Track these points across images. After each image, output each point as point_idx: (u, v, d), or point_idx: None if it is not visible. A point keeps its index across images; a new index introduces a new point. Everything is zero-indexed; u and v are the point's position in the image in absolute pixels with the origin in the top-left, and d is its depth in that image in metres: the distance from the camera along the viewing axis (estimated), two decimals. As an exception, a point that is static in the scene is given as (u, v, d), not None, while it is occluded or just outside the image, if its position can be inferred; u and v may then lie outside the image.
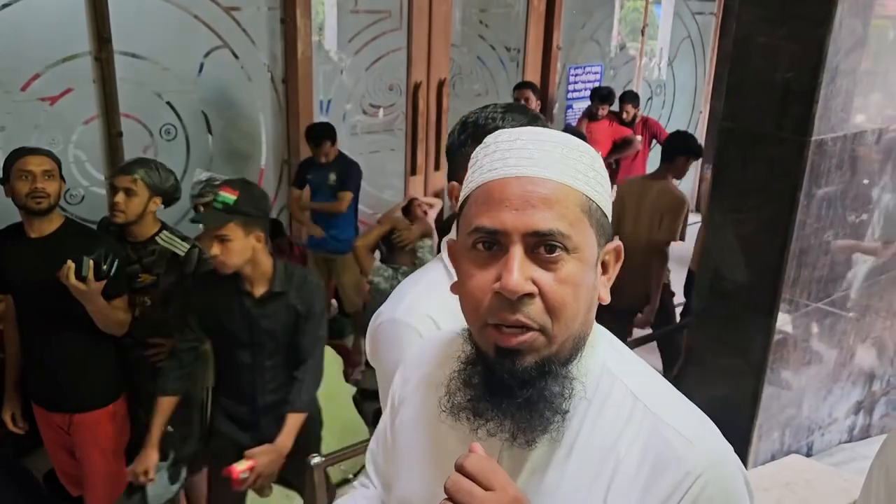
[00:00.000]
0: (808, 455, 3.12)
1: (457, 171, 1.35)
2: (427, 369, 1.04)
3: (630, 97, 6.22)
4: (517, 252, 0.81)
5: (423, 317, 1.32)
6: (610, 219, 0.90)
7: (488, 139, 0.89)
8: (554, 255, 0.82)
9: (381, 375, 1.39)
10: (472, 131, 1.34)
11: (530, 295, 0.81)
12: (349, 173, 4.39)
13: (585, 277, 0.84)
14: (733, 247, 2.69)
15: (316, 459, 2.40)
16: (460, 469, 0.79)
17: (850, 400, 3.28)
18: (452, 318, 1.39)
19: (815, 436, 3.16)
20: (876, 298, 3.12)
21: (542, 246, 0.81)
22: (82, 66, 3.89)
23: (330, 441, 2.95)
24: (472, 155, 0.90)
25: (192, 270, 2.79)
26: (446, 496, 0.78)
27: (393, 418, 1.08)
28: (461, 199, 0.91)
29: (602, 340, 0.94)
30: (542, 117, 1.38)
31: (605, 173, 0.90)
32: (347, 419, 3.55)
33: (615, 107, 6.15)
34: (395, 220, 3.94)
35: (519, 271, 0.80)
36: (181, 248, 2.80)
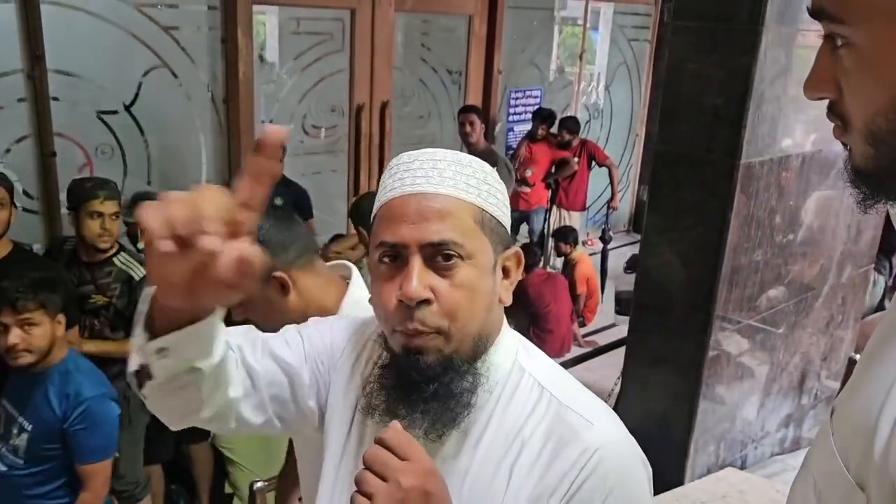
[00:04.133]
0: (743, 468, 3.21)
1: None
2: (349, 366, 1.07)
3: (569, 123, 6.33)
4: (415, 262, 0.89)
5: None
6: (508, 228, 0.98)
7: (392, 161, 0.99)
8: (449, 262, 0.90)
9: None
10: None
11: (427, 301, 0.89)
12: (303, 200, 4.36)
13: (481, 281, 0.92)
14: (668, 266, 2.78)
15: (259, 484, 2.36)
16: (380, 441, 0.83)
17: (780, 413, 3.40)
18: None
19: (749, 449, 3.25)
20: (803, 315, 3.25)
21: (439, 255, 0.90)
22: (14, 83, 3.78)
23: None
24: (382, 177, 0.99)
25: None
26: (363, 466, 0.81)
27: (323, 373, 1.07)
28: (372, 218, 0.98)
29: (512, 340, 1.02)
30: None
31: (501, 186, 0.99)
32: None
33: (554, 129, 6.28)
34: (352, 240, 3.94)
35: (417, 280, 0.88)
36: (137, 272, 2.74)
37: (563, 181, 6.33)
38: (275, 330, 1.21)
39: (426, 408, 0.91)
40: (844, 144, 0.69)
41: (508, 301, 0.98)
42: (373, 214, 0.97)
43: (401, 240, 0.90)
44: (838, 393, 0.79)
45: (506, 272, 0.98)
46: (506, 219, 0.98)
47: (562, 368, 1.04)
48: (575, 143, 6.31)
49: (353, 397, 1.05)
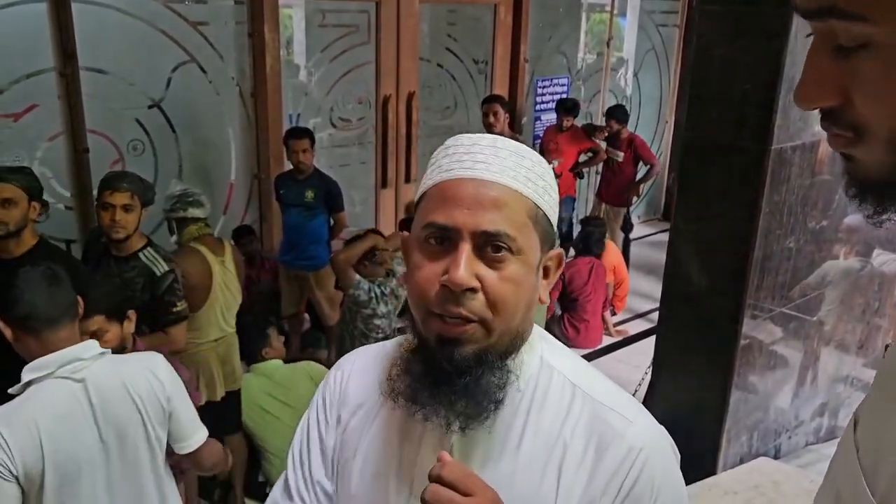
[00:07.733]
0: (776, 457, 3.17)
1: None
2: (370, 374, 1.06)
3: (618, 112, 6.06)
4: (465, 249, 0.86)
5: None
6: (555, 227, 0.96)
7: (449, 142, 0.95)
8: (499, 254, 0.87)
9: None
10: None
11: (473, 289, 0.86)
12: (335, 193, 4.38)
13: (527, 278, 0.90)
14: (698, 254, 2.75)
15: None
16: (437, 479, 0.81)
17: (815, 402, 3.35)
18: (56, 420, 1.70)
19: (783, 438, 3.21)
20: (837, 302, 3.20)
21: (489, 245, 0.87)
22: (47, 81, 3.85)
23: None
24: (433, 156, 0.96)
25: (160, 293, 2.75)
26: None
27: (332, 421, 1.07)
28: (418, 195, 0.95)
29: (539, 338, 1.00)
30: None
31: (555, 185, 0.96)
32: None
33: (601, 121, 6.10)
34: (376, 239, 3.96)
35: (466, 267, 0.85)
36: (160, 267, 2.75)
37: (607, 174, 6.08)
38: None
39: (454, 400, 0.89)
40: (845, 156, 0.61)
41: (546, 301, 0.96)
42: (420, 191, 0.94)
43: (453, 223, 0.86)
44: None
45: (546, 272, 0.96)
46: (555, 218, 0.95)
47: (586, 362, 1.03)
48: (624, 135, 5.97)
49: (376, 396, 1.02)
